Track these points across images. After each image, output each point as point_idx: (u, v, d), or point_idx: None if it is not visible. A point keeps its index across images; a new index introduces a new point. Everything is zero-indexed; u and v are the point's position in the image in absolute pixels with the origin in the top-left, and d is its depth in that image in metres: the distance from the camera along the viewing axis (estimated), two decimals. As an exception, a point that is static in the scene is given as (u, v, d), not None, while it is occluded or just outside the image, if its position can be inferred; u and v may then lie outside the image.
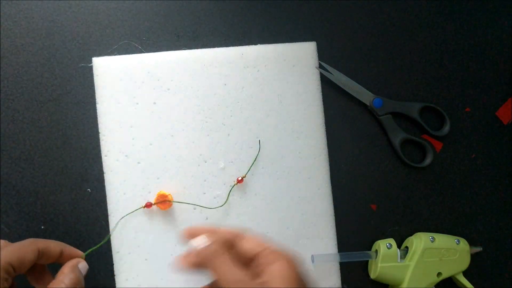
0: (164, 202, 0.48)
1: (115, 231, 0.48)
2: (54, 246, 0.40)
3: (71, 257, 0.41)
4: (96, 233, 0.48)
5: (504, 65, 0.56)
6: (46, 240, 0.40)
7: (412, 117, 0.53)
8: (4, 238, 0.46)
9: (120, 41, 0.50)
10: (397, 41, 0.54)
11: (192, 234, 0.38)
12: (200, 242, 0.36)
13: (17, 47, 0.49)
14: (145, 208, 0.48)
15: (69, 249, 0.42)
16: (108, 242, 0.48)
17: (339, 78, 0.52)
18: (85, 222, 0.48)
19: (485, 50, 0.56)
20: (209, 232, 0.38)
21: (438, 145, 0.54)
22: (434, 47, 0.55)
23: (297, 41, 0.52)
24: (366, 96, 0.52)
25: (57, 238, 0.47)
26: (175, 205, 0.49)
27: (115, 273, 0.48)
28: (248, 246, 0.37)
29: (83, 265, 0.42)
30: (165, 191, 0.48)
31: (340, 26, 0.54)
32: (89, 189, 0.48)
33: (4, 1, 0.49)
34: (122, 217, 0.48)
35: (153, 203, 0.48)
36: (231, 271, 0.34)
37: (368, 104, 0.52)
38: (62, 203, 0.48)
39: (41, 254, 0.39)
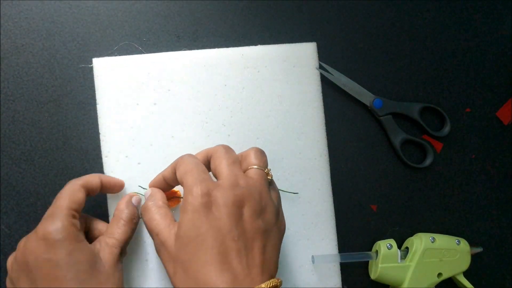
0: (172, 199, 0.48)
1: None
2: (92, 178, 0.43)
3: (111, 184, 0.45)
4: (96, 234, 0.48)
5: (504, 65, 0.56)
6: (83, 176, 0.43)
7: (413, 118, 0.53)
8: (4, 239, 0.47)
9: (120, 41, 0.50)
10: (397, 42, 0.54)
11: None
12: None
13: (17, 47, 0.49)
14: None
15: (107, 177, 0.45)
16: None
17: (339, 78, 0.52)
18: (85, 222, 0.48)
19: (485, 50, 0.56)
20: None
21: (439, 146, 0.54)
22: (434, 47, 0.55)
23: (298, 42, 0.52)
24: (366, 96, 0.52)
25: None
26: (175, 205, 0.49)
27: (116, 273, 0.48)
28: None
29: (136, 199, 0.45)
30: (175, 189, 0.48)
31: (340, 27, 0.54)
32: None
33: (4, 2, 0.49)
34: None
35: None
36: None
37: (368, 104, 0.52)
38: (63, 203, 0.48)
39: (85, 188, 0.42)
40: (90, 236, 0.44)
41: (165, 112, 0.49)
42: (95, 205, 0.48)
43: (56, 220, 0.38)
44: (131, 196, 0.45)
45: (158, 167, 0.49)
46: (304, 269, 0.50)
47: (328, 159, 0.52)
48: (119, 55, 0.50)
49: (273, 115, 0.51)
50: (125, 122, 0.49)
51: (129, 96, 0.49)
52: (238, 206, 0.37)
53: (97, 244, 0.41)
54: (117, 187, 0.47)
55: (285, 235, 0.50)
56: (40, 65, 0.49)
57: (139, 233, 0.48)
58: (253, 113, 0.51)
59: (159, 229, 0.39)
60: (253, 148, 0.42)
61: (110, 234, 0.42)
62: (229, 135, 0.50)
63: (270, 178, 0.41)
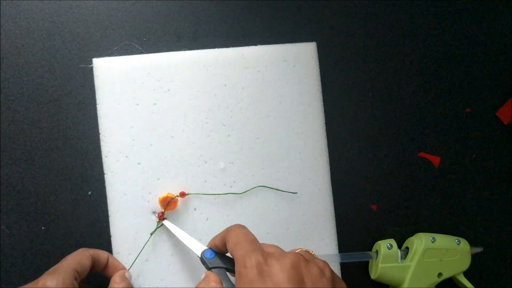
0: (170, 202, 0.48)
1: (115, 232, 0.48)
2: (102, 253, 0.45)
3: (115, 266, 0.46)
4: (96, 234, 0.48)
5: (504, 65, 0.56)
6: (94, 249, 0.45)
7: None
8: (4, 239, 0.47)
9: (120, 41, 0.50)
10: (397, 41, 0.54)
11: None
12: None
13: (17, 47, 0.49)
14: (160, 219, 0.48)
15: (114, 259, 0.47)
16: (109, 243, 0.48)
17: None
18: (85, 222, 0.48)
19: (485, 50, 0.56)
20: None
21: (436, 160, 0.54)
22: (434, 47, 0.55)
23: (297, 42, 0.52)
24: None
25: (57, 239, 0.48)
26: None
27: (116, 273, 0.48)
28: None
29: (129, 275, 0.47)
30: (164, 194, 0.48)
31: (340, 27, 0.54)
32: (89, 192, 0.48)
33: (4, 2, 0.49)
34: (151, 233, 0.48)
35: (163, 211, 0.48)
36: None
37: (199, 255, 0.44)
38: (63, 203, 0.48)
39: (93, 260, 0.44)
40: None
41: (165, 112, 0.49)
42: (96, 222, 0.48)
43: (58, 276, 0.39)
44: (124, 272, 0.46)
45: (158, 167, 0.49)
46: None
47: (328, 159, 0.52)
48: (119, 55, 0.50)
49: (273, 115, 0.51)
50: (125, 122, 0.49)
51: (129, 96, 0.49)
52: (297, 268, 0.35)
53: None
54: (118, 270, 0.47)
55: (285, 235, 0.50)
56: (40, 65, 0.49)
57: (139, 233, 0.48)
58: (253, 113, 0.51)
59: None
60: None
61: None
62: (229, 135, 0.50)
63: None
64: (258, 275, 0.34)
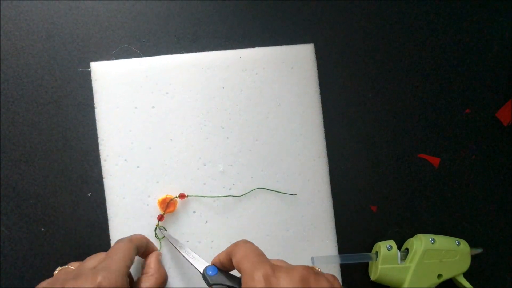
0: (169, 203, 0.48)
1: (115, 235, 0.48)
2: (141, 240, 0.45)
3: (151, 249, 0.46)
4: (96, 236, 0.48)
5: (504, 66, 0.56)
6: (134, 235, 0.46)
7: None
8: (4, 240, 0.47)
9: (119, 43, 0.50)
10: (396, 42, 0.54)
11: None
12: None
13: (17, 49, 0.49)
14: (160, 221, 0.48)
15: (150, 242, 0.47)
16: (108, 245, 0.48)
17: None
18: (85, 224, 0.48)
19: (485, 51, 0.56)
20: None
21: (436, 161, 0.54)
22: (433, 48, 0.55)
23: (296, 43, 0.52)
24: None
25: (57, 240, 0.48)
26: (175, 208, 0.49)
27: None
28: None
29: (161, 257, 0.47)
30: (163, 196, 0.48)
31: (339, 28, 0.53)
32: (89, 194, 0.48)
33: (4, 3, 0.49)
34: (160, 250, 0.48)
35: (163, 213, 0.48)
36: None
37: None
38: (62, 205, 0.48)
39: (136, 250, 0.43)
40: None
41: (163, 115, 0.49)
42: (95, 224, 0.48)
43: (115, 277, 0.38)
44: (159, 254, 0.46)
45: (157, 170, 0.49)
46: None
47: (327, 160, 0.52)
48: (118, 58, 0.50)
49: (271, 116, 0.51)
50: (123, 125, 0.49)
51: (127, 100, 0.49)
52: (306, 281, 0.35)
53: None
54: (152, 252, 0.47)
55: (285, 237, 0.50)
56: (40, 67, 0.49)
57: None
58: (251, 115, 0.51)
59: None
60: None
61: None
62: (227, 137, 0.50)
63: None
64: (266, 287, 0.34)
